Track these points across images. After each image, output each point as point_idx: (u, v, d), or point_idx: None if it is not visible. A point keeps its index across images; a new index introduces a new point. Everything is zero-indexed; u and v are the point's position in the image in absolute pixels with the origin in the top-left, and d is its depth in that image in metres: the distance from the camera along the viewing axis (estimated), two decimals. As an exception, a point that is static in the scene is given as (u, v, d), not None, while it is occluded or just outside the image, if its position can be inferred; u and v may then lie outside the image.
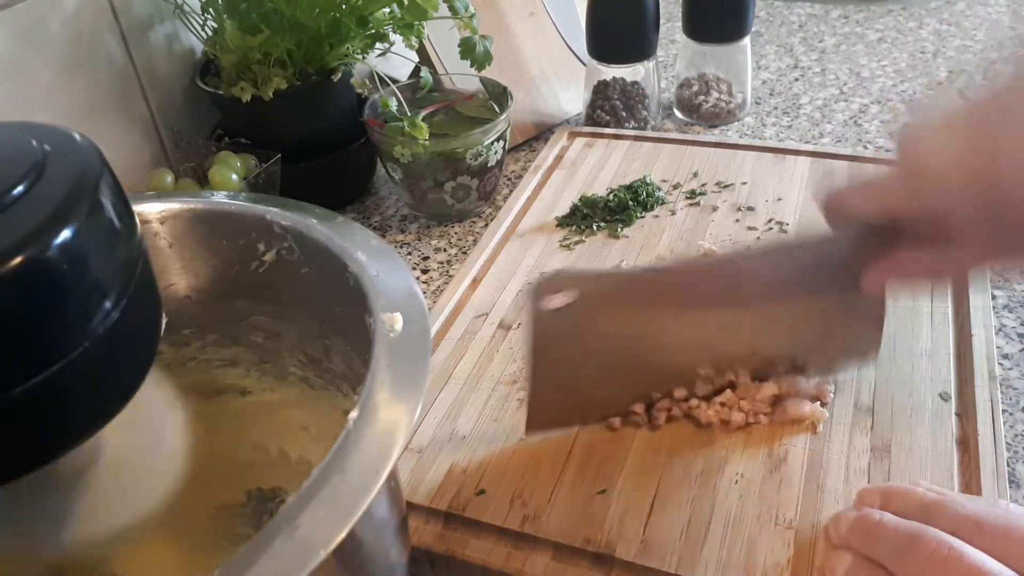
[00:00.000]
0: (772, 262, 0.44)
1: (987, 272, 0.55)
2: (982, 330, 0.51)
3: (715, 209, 0.66)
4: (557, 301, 0.43)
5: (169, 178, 0.64)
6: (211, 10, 0.67)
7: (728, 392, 0.48)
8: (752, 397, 0.47)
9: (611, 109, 0.81)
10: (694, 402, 0.48)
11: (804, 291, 0.45)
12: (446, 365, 0.53)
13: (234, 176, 0.63)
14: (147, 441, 0.36)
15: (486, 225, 0.71)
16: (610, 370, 0.46)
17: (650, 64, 0.80)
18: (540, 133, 0.84)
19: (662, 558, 0.40)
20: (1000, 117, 0.35)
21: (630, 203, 0.66)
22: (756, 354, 0.47)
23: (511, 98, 0.70)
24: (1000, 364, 0.52)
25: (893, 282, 0.43)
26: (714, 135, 0.82)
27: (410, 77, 0.78)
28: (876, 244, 0.41)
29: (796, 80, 0.92)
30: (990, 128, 0.35)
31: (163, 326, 0.29)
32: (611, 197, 0.67)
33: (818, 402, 0.47)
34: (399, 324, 0.32)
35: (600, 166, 0.72)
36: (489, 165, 0.69)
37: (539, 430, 0.47)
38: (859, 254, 0.42)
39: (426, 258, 0.68)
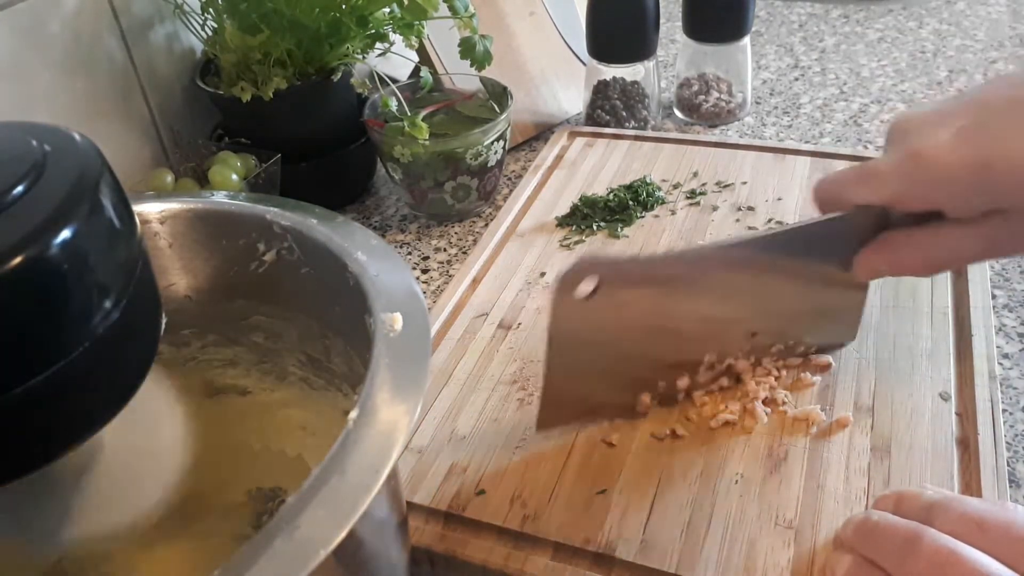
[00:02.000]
0: (776, 244, 0.45)
1: (985, 266, 0.56)
2: (982, 330, 0.51)
3: (715, 209, 0.66)
4: (583, 289, 0.42)
5: (169, 178, 0.64)
6: (211, 10, 0.67)
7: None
8: (753, 378, 0.49)
9: (611, 109, 0.81)
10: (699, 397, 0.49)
11: (801, 266, 0.46)
12: (446, 365, 0.53)
13: (234, 176, 0.63)
14: (145, 440, 0.36)
15: (486, 225, 0.71)
16: (622, 361, 0.46)
17: (650, 64, 0.80)
18: (540, 133, 0.84)
19: (662, 558, 0.40)
20: (998, 114, 0.36)
21: (630, 203, 0.66)
22: (755, 337, 0.48)
23: (511, 98, 0.70)
24: (1000, 364, 0.52)
25: (885, 269, 0.43)
26: (714, 135, 0.82)
27: (410, 77, 0.78)
28: (871, 228, 0.42)
29: (796, 80, 0.92)
30: (982, 116, 0.36)
31: (163, 326, 0.29)
32: (611, 197, 0.67)
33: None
34: (399, 324, 0.32)
35: (600, 166, 0.72)
36: (489, 165, 0.69)
37: (550, 427, 0.47)
38: (853, 237, 0.42)
39: (426, 258, 0.68)
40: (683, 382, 0.48)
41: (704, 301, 0.45)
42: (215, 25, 0.68)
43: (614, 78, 0.81)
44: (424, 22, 0.67)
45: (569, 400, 0.46)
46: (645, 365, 0.47)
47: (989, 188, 0.36)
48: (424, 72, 0.71)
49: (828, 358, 0.50)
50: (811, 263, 0.46)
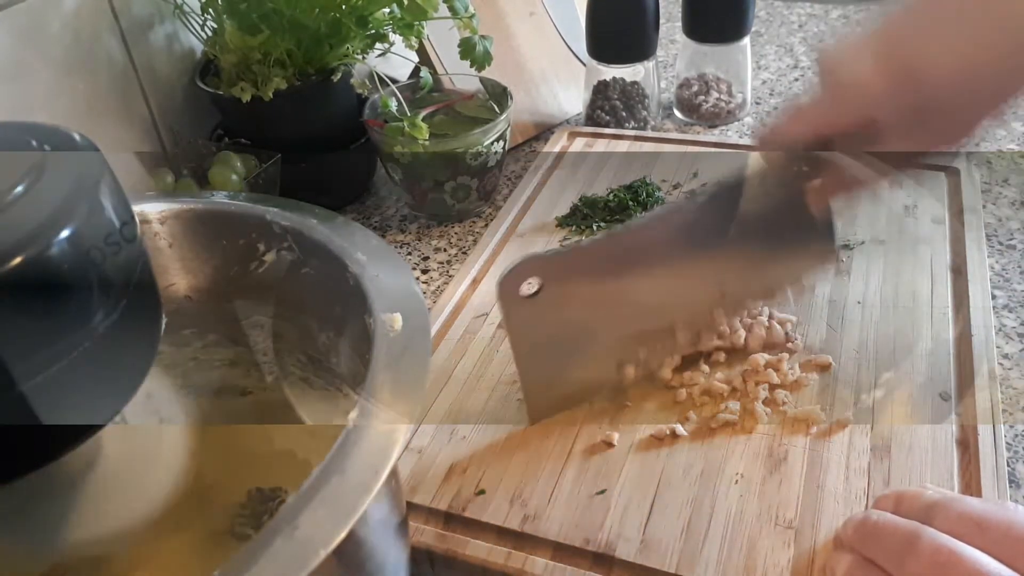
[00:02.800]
0: (717, 204, 0.46)
1: (985, 266, 0.56)
2: (982, 330, 0.51)
3: (715, 209, 0.66)
4: (526, 288, 0.44)
5: (169, 178, 0.64)
6: (211, 10, 0.67)
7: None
8: (732, 332, 0.50)
9: (611, 109, 0.81)
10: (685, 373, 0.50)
11: (756, 219, 0.46)
12: (446, 365, 0.53)
13: (234, 176, 0.63)
14: (146, 442, 0.36)
15: (486, 225, 0.71)
16: (593, 342, 0.47)
17: (650, 64, 0.80)
18: (540, 133, 0.84)
19: (662, 558, 0.40)
20: (914, 22, 0.37)
21: (630, 203, 0.66)
22: (725, 293, 0.49)
23: (511, 98, 0.70)
24: (1000, 364, 0.52)
25: (837, 195, 0.45)
26: (714, 135, 0.82)
27: (410, 77, 0.78)
28: (813, 164, 0.43)
29: (796, 80, 0.92)
30: (906, 34, 0.37)
31: (163, 326, 0.29)
32: (611, 197, 0.67)
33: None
34: (399, 324, 0.32)
35: (600, 166, 0.72)
36: (489, 165, 0.69)
37: (541, 418, 0.48)
38: (799, 177, 0.43)
39: (426, 258, 0.68)
40: (663, 346, 0.49)
41: (657, 273, 0.46)
42: (215, 25, 0.68)
43: (614, 78, 0.81)
44: (424, 22, 0.67)
45: (550, 389, 0.47)
46: (614, 342, 0.48)
47: (918, 98, 0.37)
48: (424, 72, 0.71)
49: (828, 358, 0.50)
50: (762, 212, 0.46)
